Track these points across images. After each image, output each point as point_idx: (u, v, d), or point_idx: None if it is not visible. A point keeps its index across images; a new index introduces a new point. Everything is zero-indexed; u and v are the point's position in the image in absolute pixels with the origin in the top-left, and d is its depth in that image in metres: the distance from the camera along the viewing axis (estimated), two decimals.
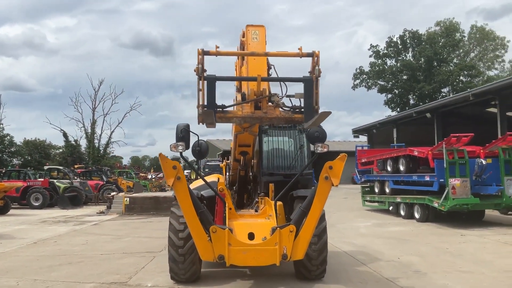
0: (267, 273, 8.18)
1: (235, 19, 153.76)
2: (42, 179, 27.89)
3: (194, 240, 6.26)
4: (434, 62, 51.48)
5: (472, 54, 60.01)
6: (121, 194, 24.28)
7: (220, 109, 5.70)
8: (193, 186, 8.33)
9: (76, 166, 42.51)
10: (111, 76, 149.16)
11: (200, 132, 6.56)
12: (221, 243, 6.13)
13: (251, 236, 6.49)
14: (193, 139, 6.53)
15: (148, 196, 23.28)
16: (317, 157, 6.83)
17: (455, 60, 54.44)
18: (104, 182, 32.05)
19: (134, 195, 23.51)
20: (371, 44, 56.90)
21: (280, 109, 5.90)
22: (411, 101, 53.27)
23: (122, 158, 74.64)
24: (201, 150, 6.78)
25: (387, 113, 54.96)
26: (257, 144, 8.69)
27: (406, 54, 54.84)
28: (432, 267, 8.85)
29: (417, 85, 50.80)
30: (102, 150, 57.53)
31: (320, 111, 5.67)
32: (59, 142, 60.17)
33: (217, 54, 5.95)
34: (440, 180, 14.94)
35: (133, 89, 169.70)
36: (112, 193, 24.72)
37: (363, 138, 42.79)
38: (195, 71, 5.63)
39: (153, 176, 46.30)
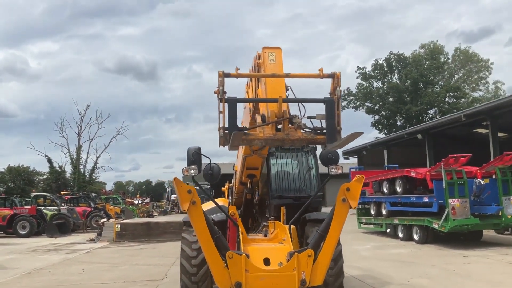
0: None
1: (219, 43, 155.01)
2: (29, 207, 27.23)
3: (210, 267, 6.00)
4: (420, 84, 52.05)
5: (457, 76, 60.95)
6: (111, 220, 23.78)
7: (241, 131, 5.55)
8: None
9: (63, 192, 41.72)
10: (95, 101, 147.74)
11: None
12: (238, 269, 5.87)
13: (266, 261, 6.24)
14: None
15: (139, 222, 22.87)
16: None
17: (440, 82, 55.19)
18: (92, 209, 31.40)
19: (125, 221, 23.06)
20: (357, 66, 57.68)
21: (302, 130, 5.77)
22: (398, 123, 53.65)
23: (106, 184, 73.42)
24: (213, 173, 6.58)
25: (373, 134, 55.28)
26: (264, 166, 8.51)
27: (392, 77, 55.47)
28: None
29: (404, 106, 51.24)
30: (87, 176, 56.67)
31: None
32: (43, 168, 58.90)
33: (238, 76, 5.84)
34: (440, 201, 14.85)
35: (116, 114, 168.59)
36: (102, 220, 24.19)
37: (353, 160, 42.85)
38: (215, 93, 5.49)
39: (140, 202, 45.72)
